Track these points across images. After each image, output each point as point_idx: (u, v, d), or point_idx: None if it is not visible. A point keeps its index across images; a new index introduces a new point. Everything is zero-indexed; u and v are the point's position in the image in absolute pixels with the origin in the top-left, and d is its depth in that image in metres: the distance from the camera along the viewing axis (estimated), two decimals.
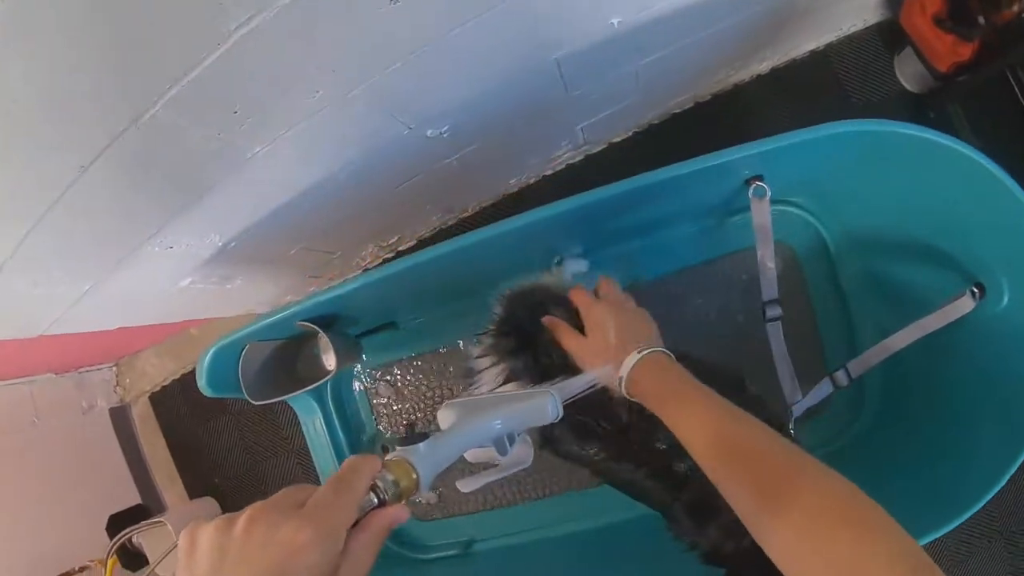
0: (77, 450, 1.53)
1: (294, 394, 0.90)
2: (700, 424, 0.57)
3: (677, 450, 0.67)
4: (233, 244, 0.96)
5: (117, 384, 1.67)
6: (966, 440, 0.88)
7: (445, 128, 0.91)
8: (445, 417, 0.58)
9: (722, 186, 0.89)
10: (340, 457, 1.04)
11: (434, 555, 1.09)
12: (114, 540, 1.43)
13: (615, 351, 0.67)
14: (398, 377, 1.08)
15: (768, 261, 0.89)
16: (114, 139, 0.60)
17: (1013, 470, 0.76)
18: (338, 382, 1.07)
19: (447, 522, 1.10)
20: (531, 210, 0.78)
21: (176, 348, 1.61)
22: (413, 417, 1.07)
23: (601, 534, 1.02)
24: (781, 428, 0.80)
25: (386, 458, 0.43)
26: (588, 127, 1.22)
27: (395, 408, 1.08)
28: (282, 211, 0.93)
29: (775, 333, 0.93)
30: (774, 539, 0.48)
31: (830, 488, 0.48)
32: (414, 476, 0.43)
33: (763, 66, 1.34)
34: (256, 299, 1.36)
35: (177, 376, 1.61)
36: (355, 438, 1.07)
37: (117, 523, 1.52)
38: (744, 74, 1.35)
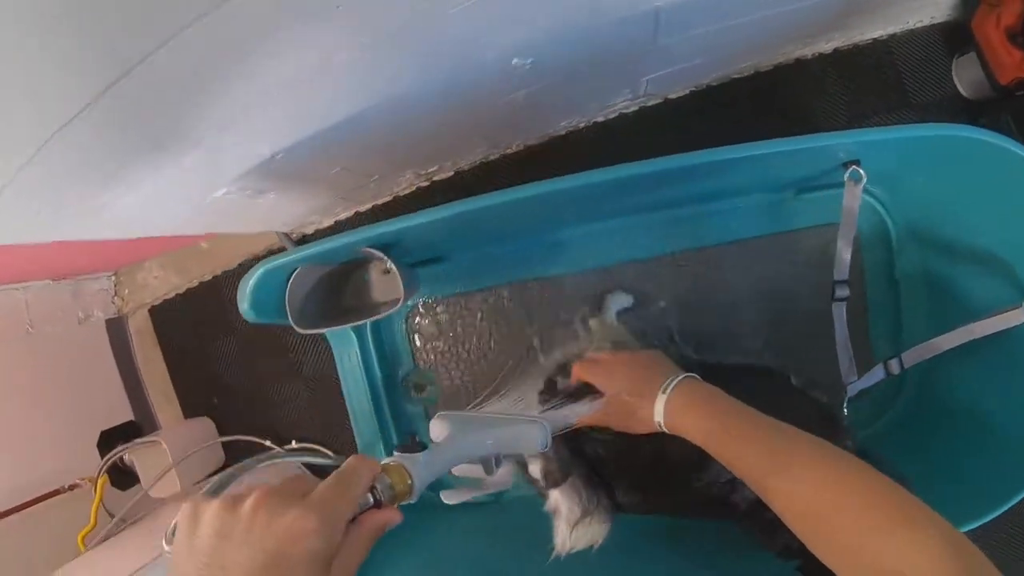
0: (71, 362, 1.46)
1: (349, 324, 0.86)
2: (751, 454, 0.57)
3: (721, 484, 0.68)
4: (280, 156, 0.90)
5: (115, 295, 1.60)
6: (998, 442, 0.89)
7: (530, 60, 0.86)
8: (437, 428, 0.60)
9: (814, 165, 0.89)
10: (374, 393, 1.01)
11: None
12: (106, 458, 1.39)
13: (642, 403, 0.67)
14: (441, 314, 1.04)
15: (847, 242, 0.90)
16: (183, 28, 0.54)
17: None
18: None
19: None
20: (615, 166, 0.76)
21: (182, 261, 1.54)
22: (454, 355, 1.04)
23: None
24: (832, 416, 0.81)
25: (384, 462, 0.47)
26: (654, 80, 1.17)
27: (435, 345, 1.04)
28: (342, 126, 0.87)
29: (839, 313, 0.94)
30: (829, 547, 0.49)
31: (882, 494, 0.49)
32: (409, 482, 0.46)
33: (827, 46, 1.32)
34: (282, 218, 1.29)
35: (181, 291, 1.55)
36: (391, 374, 1.04)
37: (108, 440, 1.48)
38: (807, 51, 1.32)
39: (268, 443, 1.50)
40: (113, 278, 1.59)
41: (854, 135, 0.77)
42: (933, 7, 1.26)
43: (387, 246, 0.86)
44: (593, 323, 0.99)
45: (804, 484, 0.52)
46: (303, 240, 1.41)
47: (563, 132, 1.31)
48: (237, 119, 0.74)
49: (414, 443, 0.50)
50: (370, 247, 0.79)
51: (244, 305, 0.81)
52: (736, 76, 1.32)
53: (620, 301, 1.01)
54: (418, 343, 1.05)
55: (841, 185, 0.97)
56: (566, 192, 0.75)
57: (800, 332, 1.01)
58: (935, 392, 1.02)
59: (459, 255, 1.01)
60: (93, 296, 1.55)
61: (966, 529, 0.78)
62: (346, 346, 0.99)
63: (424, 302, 1.03)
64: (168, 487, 1.42)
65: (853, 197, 0.86)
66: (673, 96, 1.32)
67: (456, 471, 0.62)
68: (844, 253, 0.91)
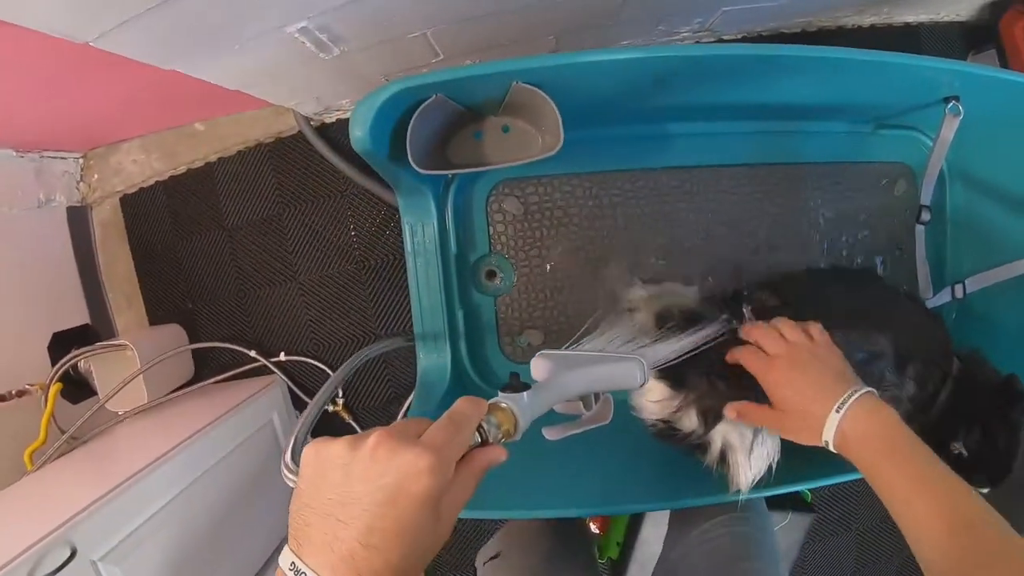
0: (23, 249, 1.26)
1: (491, 167, 0.78)
2: (929, 505, 0.54)
3: None
4: None
5: (81, 180, 1.40)
6: None
7: None
8: (539, 366, 0.61)
9: (913, 93, 0.91)
10: (445, 275, 0.92)
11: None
12: (63, 361, 1.20)
13: (808, 415, 0.63)
14: (531, 195, 0.96)
15: (935, 170, 0.94)
16: None
17: None
18: (462, 185, 0.95)
19: None
20: (734, 44, 0.75)
21: (170, 144, 1.37)
22: (535, 243, 0.97)
23: None
24: (940, 315, 0.83)
25: (491, 402, 0.49)
26: (728, 12, 1.18)
27: (517, 229, 0.97)
28: None
29: (920, 235, 1.00)
30: None
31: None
32: (515, 422, 0.49)
33: (867, 20, 1.39)
34: (319, 91, 1.17)
35: (164, 177, 1.38)
36: (463, 255, 0.96)
37: (61, 343, 1.28)
38: (851, 20, 1.39)
39: (253, 354, 1.35)
40: (81, 161, 1.39)
41: (972, 68, 0.80)
42: (966, 4, 1.35)
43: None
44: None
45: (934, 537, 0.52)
46: (322, 128, 1.29)
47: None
48: None
49: (518, 383, 0.51)
50: (525, 83, 0.72)
51: (360, 130, 0.70)
52: (785, 31, 1.36)
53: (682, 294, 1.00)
54: (498, 224, 0.97)
55: (914, 129, 1.06)
56: (697, 61, 0.73)
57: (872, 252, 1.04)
58: (972, 327, 1.08)
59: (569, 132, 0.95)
60: (57, 178, 1.35)
61: None
62: (422, 217, 0.90)
63: (512, 180, 0.96)
64: (131, 400, 1.24)
65: (950, 129, 0.89)
66: (727, 37, 1.33)
67: (557, 408, 0.62)
68: (930, 181, 0.96)
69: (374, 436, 0.40)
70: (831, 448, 0.62)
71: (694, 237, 1.00)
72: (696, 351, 0.69)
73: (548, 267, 0.99)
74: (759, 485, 0.72)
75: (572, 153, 0.96)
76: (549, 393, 0.55)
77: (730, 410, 0.70)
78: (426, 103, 0.73)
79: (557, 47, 1.18)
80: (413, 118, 0.73)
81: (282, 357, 1.36)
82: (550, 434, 0.63)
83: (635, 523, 1.14)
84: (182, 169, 1.37)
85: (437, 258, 0.91)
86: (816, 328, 0.70)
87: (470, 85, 0.73)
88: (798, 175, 1.03)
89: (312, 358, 1.36)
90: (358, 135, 0.72)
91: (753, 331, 0.71)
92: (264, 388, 1.30)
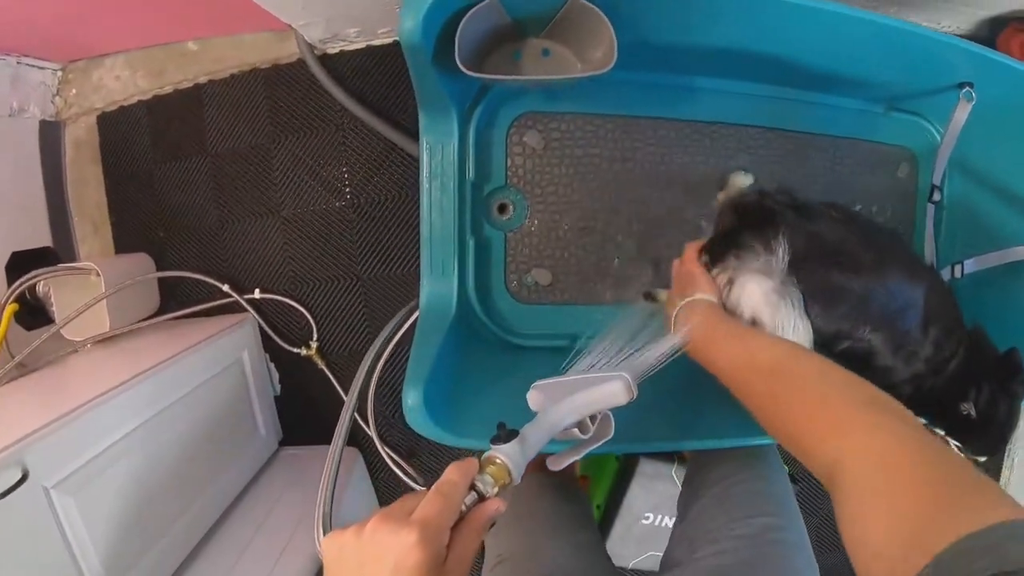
0: None
1: (539, 79, 0.75)
2: (741, 353, 0.63)
3: None
4: None
5: (58, 94, 1.31)
6: None
7: None
8: (534, 398, 0.63)
9: (931, 78, 0.95)
10: (460, 200, 0.89)
11: (537, 344, 0.99)
12: (21, 280, 1.12)
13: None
14: (554, 130, 0.94)
15: (947, 151, 0.98)
16: None
17: None
18: (487, 111, 0.92)
19: (555, 310, 1.00)
20: None
21: (159, 61, 1.29)
22: (551, 180, 0.95)
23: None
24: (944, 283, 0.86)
25: (485, 456, 0.51)
26: None
27: (536, 164, 0.95)
28: None
29: (930, 214, 1.05)
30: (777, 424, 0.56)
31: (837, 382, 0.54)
32: (508, 474, 0.51)
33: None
34: (334, 8, 1.11)
35: (148, 97, 1.30)
36: (479, 185, 0.93)
37: (19, 264, 1.20)
38: None
39: (226, 288, 1.28)
40: (60, 73, 1.30)
41: (995, 54, 0.83)
42: (967, 18, 1.40)
43: None
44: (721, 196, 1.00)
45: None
46: (324, 58, 1.24)
47: None
48: None
49: (505, 432, 0.53)
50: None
51: (412, 21, 0.67)
52: None
53: (742, 180, 1.03)
54: (516, 157, 0.94)
55: (922, 116, 1.09)
56: None
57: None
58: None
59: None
60: (33, 88, 1.26)
61: None
62: (444, 137, 0.87)
63: (536, 113, 0.94)
64: (90, 327, 1.16)
65: (963, 113, 0.93)
66: None
67: (557, 436, 0.63)
68: (942, 161, 0.99)
69: (372, 521, 0.46)
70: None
71: (707, 191, 1.01)
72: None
73: (562, 206, 0.97)
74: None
75: (599, 93, 0.95)
76: (539, 432, 0.57)
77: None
78: (480, 4, 0.71)
79: None
80: (465, 18, 0.71)
81: (256, 294, 1.30)
82: (554, 465, 0.65)
83: (619, 486, 1.13)
84: (168, 89, 1.30)
85: (454, 182, 0.88)
86: (688, 251, 0.80)
87: None
88: (809, 144, 1.05)
89: (288, 297, 1.30)
90: (409, 25, 0.68)
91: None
92: (235, 324, 1.24)
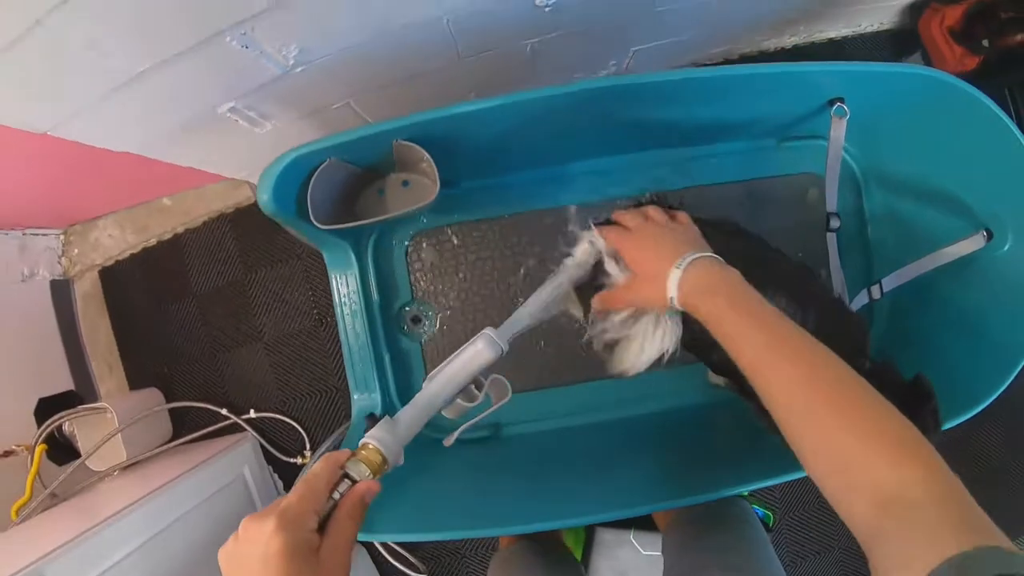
0: (9, 322, 1.35)
1: (379, 219, 0.84)
2: (751, 335, 0.58)
3: None
4: (301, 69, 0.90)
5: (63, 255, 1.50)
6: (959, 358, 0.97)
7: (554, 0, 0.91)
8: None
9: (800, 101, 0.95)
10: (371, 323, 0.98)
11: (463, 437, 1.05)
12: (47, 423, 1.28)
13: (660, 275, 0.66)
14: (444, 243, 1.03)
15: (834, 176, 0.97)
16: None
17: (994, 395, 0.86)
18: (380, 238, 1.01)
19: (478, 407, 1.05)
20: (619, 76, 0.81)
21: (141, 219, 1.47)
22: (453, 285, 1.03)
23: (625, 424, 1.03)
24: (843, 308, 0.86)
25: (360, 443, 0.55)
26: (640, 52, 1.25)
27: (434, 276, 1.03)
28: (368, 46, 0.89)
29: (832, 243, 1.03)
30: (799, 447, 0.53)
31: (880, 411, 0.51)
32: (381, 456, 0.54)
33: (789, 41, 1.44)
34: (263, 161, 1.25)
35: (137, 250, 1.47)
36: (387, 304, 1.02)
37: (47, 408, 1.36)
38: (772, 44, 1.44)
39: (224, 412, 1.42)
40: (62, 236, 1.50)
41: (841, 65, 0.83)
42: (883, 12, 1.41)
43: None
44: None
45: (784, 376, 0.55)
46: None
47: None
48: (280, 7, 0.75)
49: (375, 419, 0.59)
50: (408, 140, 0.79)
51: (265, 194, 0.78)
52: (706, 63, 1.42)
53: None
54: (417, 273, 1.03)
55: (818, 137, 1.08)
56: (578, 96, 0.77)
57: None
58: (902, 325, 1.11)
59: (466, 182, 1.01)
60: (40, 254, 1.45)
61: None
62: (344, 268, 0.97)
63: (427, 230, 1.03)
64: (111, 458, 1.31)
65: (839, 130, 0.92)
66: None
67: (449, 414, 0.67)
68: (832, 187, 0.98)
69: (243, 522, 0.49)
70: (676, 305, 0.65)
71: None
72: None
73: (468, 309, 1.04)
74: None
75: (480, 199, 1.03)
76: (414, 410, 0.59)
77: (596, 302, 0.76)
78: (321, 167, 0.80)
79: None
80: (312, 181, 0.81)
81: (252, 414, 1.42)
82: (447, 441, 0.68)
83: (584, 559, 1.16)
84: (153, 241, 1.46)
85: (361, 307, 0.97)
86: (683, 215, 0.76)
87: (359, 146, 0.80)
88: (708, 195, 1.08)
89: (279, 413, 1.43)
90: (264, 199, 0.79)
91: (622, 215, 0.77)
92: (235, 443, 1.36)
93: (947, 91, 0.86)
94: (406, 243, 1.03)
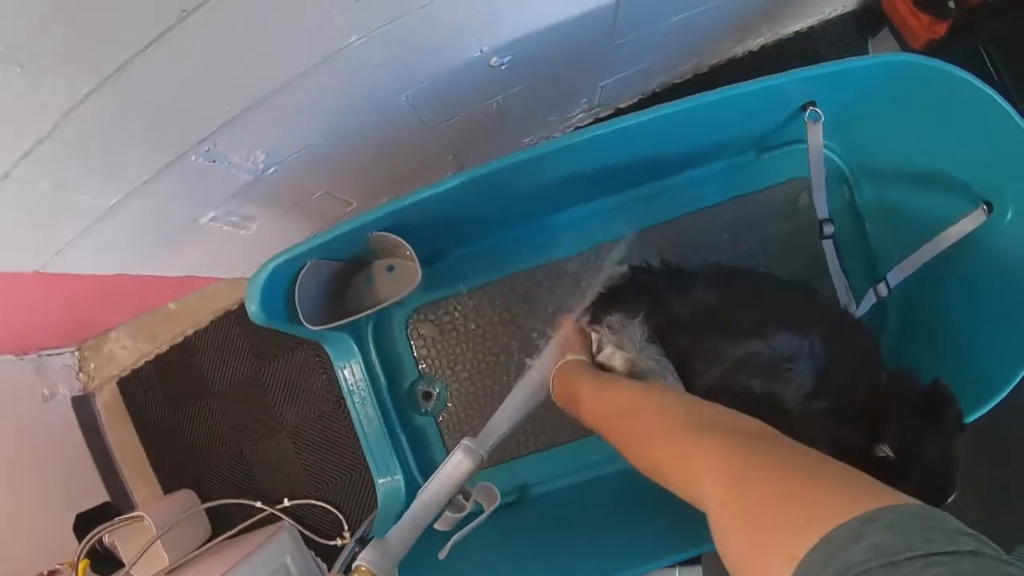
0: (37, 443, 1.37)
1: (363, 315, 0.85)
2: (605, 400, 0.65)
3: None
4: (273, 170, 0.92)
5: (80, 371, 1.52)
6: (979, 343, 0.95)
7: (508, 58, 0.91)
8: None
9: (771, 114, 0.94)
10: (382, 407, 0.98)
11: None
12: (85, 540, 1.29)
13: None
14: (442, 316, 1.03)
15: (819, 182, 0.96)
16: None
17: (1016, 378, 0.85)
18: (379, 322, 1.02)
19: (500, 470, 1.06)
20: (590, 127, 0.80)
21: (150, 327, 1.49)
22: (459, 356, 1.03)
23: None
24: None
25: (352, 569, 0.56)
26: (608, 86, 1.24)
27: (438, 349, 1.03)
28: (332, 137, 0.90)
29: (829, 249, 1.01)
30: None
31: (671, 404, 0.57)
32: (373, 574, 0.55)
33: (756, 43, 1.43)
34: (256, 258, 1.28)
35: (151, 357, 1.49)
36: (396, 385, 1.02)
37: (85, 523, 1.37)
38: (739, 49, 1.43)
39: (258, 504, 1.42)
40: (77, 353, 1.52)
41: (804, 71, 0.82)
42: None
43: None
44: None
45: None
46: None
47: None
48: (239, 119, 0.76)
49: (365, 542, 0.58)
50: (382, 230, 0.79)
51: (253, 306, 0.79)
52: (677, 81, 1.41)
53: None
54: (420, 349, 1.03)
55: (800, 141, 1.04)
56: (555, 155, 0.79)
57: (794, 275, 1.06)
58: (915, 315, 1.09)
59: (455, 251, 1.02)
60: (57, 373, 1.47)
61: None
62: (347, 358, 0.97)
63: (423, 306, 1.03)
64: (154, 564, 1.32)
65: (815, 135, 0.92)
66: (623, 104, 1.39)
67: (441, 527, 0.68)
68: (819, 193, 0.97)
69: None
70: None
71: None
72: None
73: (476, 377, 1.04)
74: None
75: (471, 266, 1.03)
76: (403, 529, 0.61)
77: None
78: (303, 270, 0.81)
79: (459, 164, 1.26)
80: (296, 285, 0.81)
81: (286, 503, 1.42)
82: (442, 554, 0.68)
83: None
84: (165, 347, 1.48)
85: (370, 393, 0.98)
86: (564, 320, 0.81)
87: (336, 244, 0.81)
88: (697, 222, 1.07)
89: (313, 498, 1.42)
90: (253, 310, 0.80)
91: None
92: (273, 534, 1.36)
93: (916, 71, 0.84)
94: (405, 322, 1.03)
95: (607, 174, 0.96)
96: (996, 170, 0.88)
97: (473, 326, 1.03)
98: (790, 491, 0.39)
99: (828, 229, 0.98)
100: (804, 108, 0.90)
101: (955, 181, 0.93)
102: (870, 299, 1.03)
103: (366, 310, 0.88)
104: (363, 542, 0.59)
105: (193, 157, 0.80)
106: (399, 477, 0.98)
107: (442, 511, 0.65)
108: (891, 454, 0.70)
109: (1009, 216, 0.88)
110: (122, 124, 0.70)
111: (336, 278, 0.89)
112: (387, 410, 1.00)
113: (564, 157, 0.80)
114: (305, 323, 0.81)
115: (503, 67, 0.93)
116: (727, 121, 0.92)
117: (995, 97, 0.81)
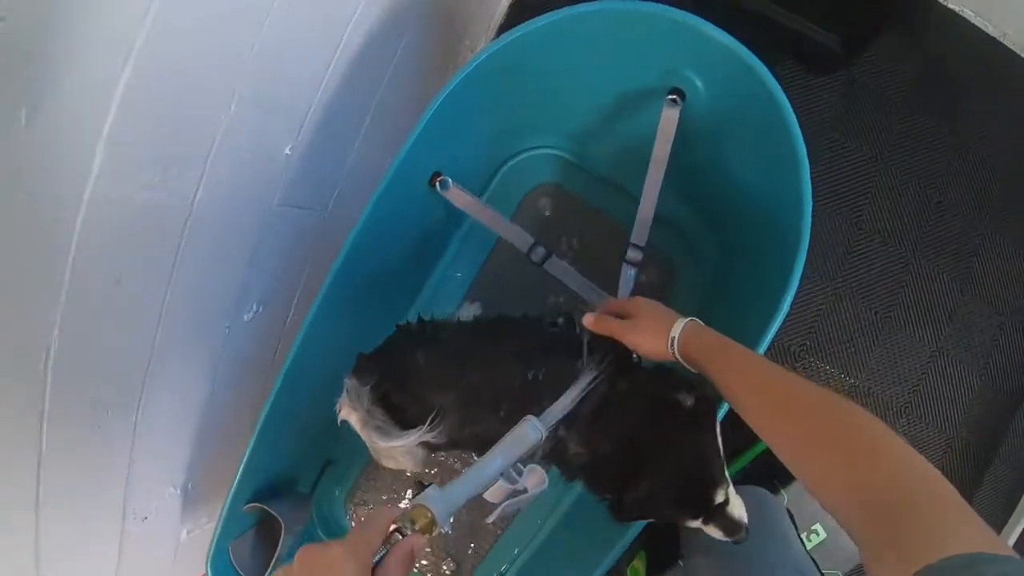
0: None
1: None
2: (744, 375, 0.69)
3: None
4: (189, 484, 1.06)
5: None
6: (760, 195, 0.98)
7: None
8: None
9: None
10: None
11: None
12: None
13: (661, 329, 0.78)
14: (368, 498, 1.18)
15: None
16: None
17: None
18: (322, 523, 1.21)
19: None
20: None
21: None
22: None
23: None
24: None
25: (410, 506, 0.59)
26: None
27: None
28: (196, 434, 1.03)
29: (558, 269, 1.06)
30: (809, 468, 0.58)
31: (854, 422, 0.57)
32: (429, 515, 0.58)
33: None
34: None
35: None
36: None
37: None
38: None
39: None
40: None
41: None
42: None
43: (272, 489, 1.08)
44: None
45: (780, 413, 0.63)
46: None
47: None
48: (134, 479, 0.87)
49: (422, 486, 0.64)
50: (252, 502, 0.99)
51: None
52: None
53: (471, 310, 1.14)
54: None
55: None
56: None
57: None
58: (723, 224, 1.15)
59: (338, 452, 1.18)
60: None
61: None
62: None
63: (347, 497, 1.18)
64: None
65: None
66: None
67: (491, 497, 0.72)
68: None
69: (298, 553, 0.50)
70: (675, 351, 0.76)
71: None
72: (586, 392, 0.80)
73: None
74: None
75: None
76: (463, 480, 0.65)
77: (588, 318, 0.85)
78: (229, 551, 0.98)
79: None
80: (232, 562, 0.98)
81: None
82: (489, 517, 0.75)
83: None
84: None
85: None
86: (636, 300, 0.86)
87: (233, 523, 0.98)
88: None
89: None
90: None
91: (614, 306, 0.88)
92: None
93: (565, 26, 0.86)
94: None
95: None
96: (666, 58, 0.88)
97: (395, 493, 1.15)
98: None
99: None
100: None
101: (635, 95, 0.97)
102: (629, 274, 1.00)
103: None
104: (422, 485, 0.65)
105: (130, 525, 0.91)
106: None
107: (497, 478, 0.70)
108: (691, 401, 0.80)
109: (700, 85, 0.89)
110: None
111: (262, 533, 1.06)
112: None
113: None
114: None
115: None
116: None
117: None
